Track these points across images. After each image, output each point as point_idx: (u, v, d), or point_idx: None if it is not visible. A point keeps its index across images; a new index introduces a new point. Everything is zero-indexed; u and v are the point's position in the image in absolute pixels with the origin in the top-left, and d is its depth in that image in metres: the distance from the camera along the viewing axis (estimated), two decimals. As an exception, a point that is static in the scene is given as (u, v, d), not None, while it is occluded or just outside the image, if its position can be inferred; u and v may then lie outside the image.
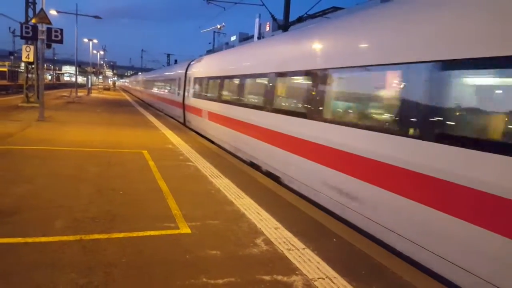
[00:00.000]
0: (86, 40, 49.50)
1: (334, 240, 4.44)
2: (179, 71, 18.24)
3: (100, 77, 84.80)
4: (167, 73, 23.04)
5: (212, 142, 11.59)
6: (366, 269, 3.76)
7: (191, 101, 14.69)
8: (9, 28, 50.20)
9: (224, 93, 10.86)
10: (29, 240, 3.80)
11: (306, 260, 3.84)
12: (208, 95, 12.55)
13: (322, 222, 5.01)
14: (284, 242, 4.25)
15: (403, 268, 3.79)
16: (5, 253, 3.49)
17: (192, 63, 16.27)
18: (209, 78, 12.61)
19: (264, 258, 3.82)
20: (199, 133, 13.43)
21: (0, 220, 4.22)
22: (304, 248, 4.12)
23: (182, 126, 15.78)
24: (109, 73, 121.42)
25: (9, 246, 3.64)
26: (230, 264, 3.64)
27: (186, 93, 15.76)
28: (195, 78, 14.36)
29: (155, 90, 27.46)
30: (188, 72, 16.00)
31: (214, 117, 11.50)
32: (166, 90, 21.75)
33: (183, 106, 16.25)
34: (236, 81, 9.84)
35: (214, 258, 3.74)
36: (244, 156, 9.10)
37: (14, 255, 3.47)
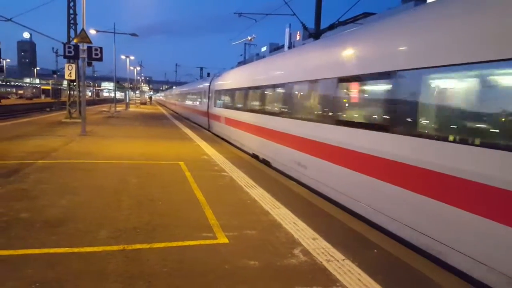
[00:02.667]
0: (123, 57, 51.52)
1: (375, 251, 4.32)
2: None
3: (137, 92, 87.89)
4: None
5: None
6: (410, 281, 3.62)
7: None
8: (52, 48, 53.27)
9: None
10: (75, 250, 3.96)
11: (347, 271, 3.75)
12: None
13: (362, 232, 4.88)
14: (323, 253, 4.18)
15: (450, 281, 3.62)
16: (53, 262, 3.65)
17: None
18: None
19: (303, 269, 3.77)
20: None
21: (48, 231, 4.43)
22: (343, 259, 4.03)
23: (216, 137, 15.87)
24: (145, 88, 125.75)
25: (57, 255, 3.81)
26: (269, 275, 3.62)
27: None
28: None
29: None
30: None
31: None
32: None
33: None
34: None
35: (252, 269, 3.74)
36: None
37: (61, 264, 3.62)
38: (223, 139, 14.98)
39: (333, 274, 3.67)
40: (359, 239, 4.67)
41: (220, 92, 16.53)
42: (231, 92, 14.41)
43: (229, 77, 15.92)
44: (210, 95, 18.90)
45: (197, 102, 23.70)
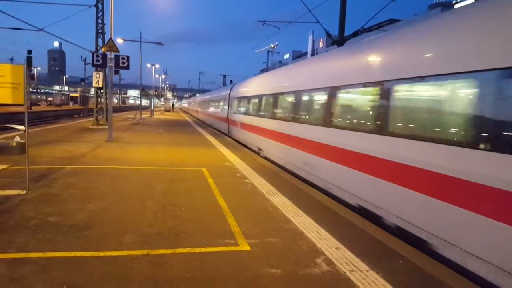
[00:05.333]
0: (149, 65, 52.70)
1: (400, 262, 4.21)
2: None
3: (162, 99, 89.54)
4: None
5: None
6: (437, 294, 3.51)
7: None
8: (81, 56, 55.16)
9: None
10: (101, 253, 4.04)
11: (371, 282, 3.67)
12: None
13: (386, 242, 4.78)
14: (346, 263, 4.11)
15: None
16: (80, 265, 3.75)
17: None
18: None
19: (326, 279, 3.72)
20: None
21: (76, 234, 4.55)
22: (368, 270, 3.95)
23: (239, 144, 15.96)
24: (169, 95, 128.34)
25: (84, 259, 3.90)
26: (291, 284, 3.59)
27: None
28: None
29: None
30: None
31: None
32: None
33: None
34: None
35: (274, 277, 3.71)
36: None
37: (88, 267, 3.71)
38: None
39: (357, 285, 3.60)
40: (384, 249, 4.57)
41: None
42: None
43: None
44: None
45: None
